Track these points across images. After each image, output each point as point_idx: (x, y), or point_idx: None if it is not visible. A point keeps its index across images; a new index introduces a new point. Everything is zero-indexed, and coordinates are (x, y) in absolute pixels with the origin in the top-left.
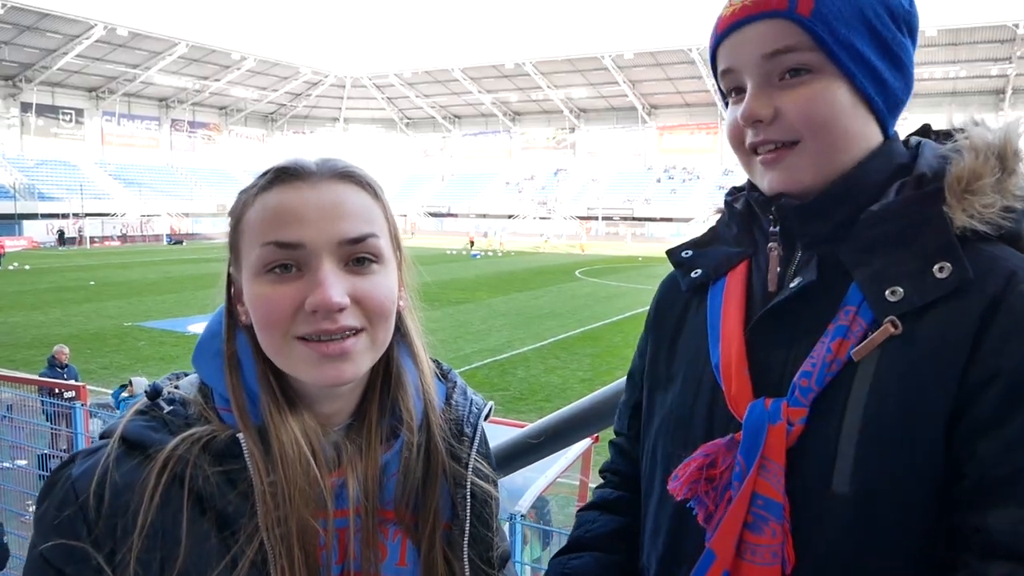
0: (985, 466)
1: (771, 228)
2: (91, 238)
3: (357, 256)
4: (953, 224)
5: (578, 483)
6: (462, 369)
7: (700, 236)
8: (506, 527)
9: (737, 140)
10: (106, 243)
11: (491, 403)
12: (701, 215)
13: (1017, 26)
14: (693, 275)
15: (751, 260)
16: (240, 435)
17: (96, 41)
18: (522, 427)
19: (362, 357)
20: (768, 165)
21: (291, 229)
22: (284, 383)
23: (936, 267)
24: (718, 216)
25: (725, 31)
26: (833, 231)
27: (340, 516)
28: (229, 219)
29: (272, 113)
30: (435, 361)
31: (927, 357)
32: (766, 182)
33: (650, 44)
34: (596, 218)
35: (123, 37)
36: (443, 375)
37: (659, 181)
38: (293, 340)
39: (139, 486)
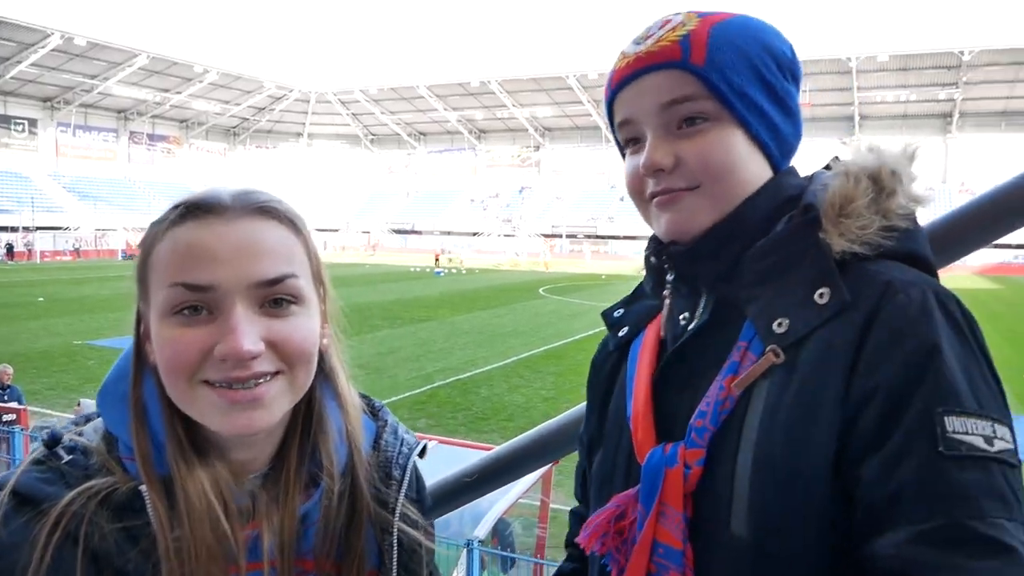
0: (869, 489)
1: (668, 276)
2: (42, 252)
3: (274, 297)
4: (832, 249)
5: (539, 504)
6: (424, 388)
7: (629, 295)
8: (463, 553)
9: (637, 191)
10: (57, 257)
11: (424, 442)
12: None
13: (962, 53)
14: (620, 334)
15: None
16: (143, 488)
17: (52, 50)
18: (486, 448)
19: (277, 402)
20: (663, 207)
21: (201, 270)
22: (194, 429)
23: (817, 293)
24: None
25: (620, 83)
26: (727, 270)
27: (253, 569)
28: (138, 251)
29: (234, 127)
30: (365, 397)
31: (809, 383)
32: (662, 226)
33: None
34: (560, 236)
35: (81, 47)
36: (373, 413)
37: (622, 199)
38: (199, 385)
39: (28, 545)
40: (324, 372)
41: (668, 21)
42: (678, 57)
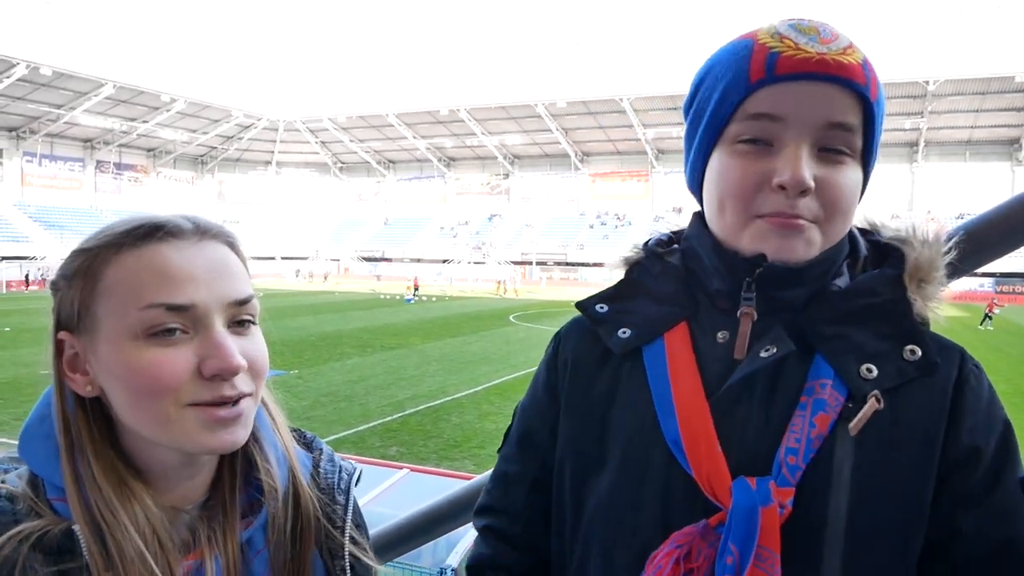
0: (972, 541)
1: (744, 292)
2: (8, 282)
3: (240, 318)
4: (912, 309)
5: None
6: (395, 416)
7: (615, 289)
8: None
9: (744, 199)
10: (23, 288)
11: (360, 468)
12: (610, 262)
13: (927, 83)
14: (622, 335)
15: (690, 321)
16: (76, 527)
17: (18, 80)
18: (459, 476)
19: (249, 420)
20: (782, 229)
21: (181, 290)
22: (128, 463)
23: (907, 350)
24: (627, 267)
25: (787, 75)
26: (804, 302)
27: None
28: (70, 280)
29: (202, 156)
30: (296, 430)
31: (907, 435)
32: (772, 248)
33: (582, 93)
34: (530, 263)
35: (47, 76)
36: (307, 444)
37: (592, 227)
38: (184, 407)
39: None
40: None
41: (835, 35)
42: (863, 81)
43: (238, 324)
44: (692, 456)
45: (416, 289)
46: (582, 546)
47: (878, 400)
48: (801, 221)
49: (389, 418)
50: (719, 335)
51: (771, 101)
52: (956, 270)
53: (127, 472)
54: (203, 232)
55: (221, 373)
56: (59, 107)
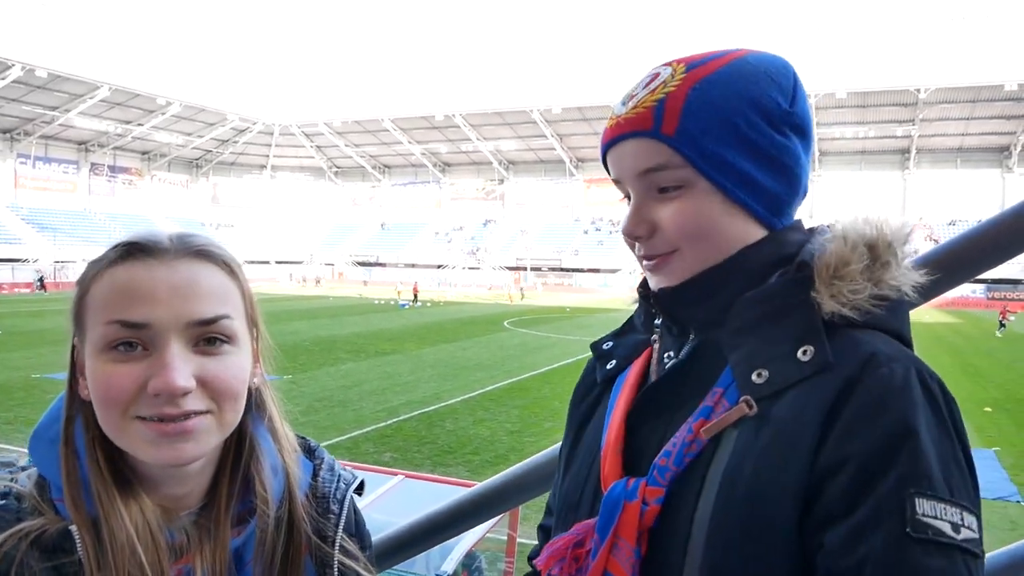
0: (832, 557)
1: (656, 321)
2: (0, 285)
3: (207, 336)
4: (821, 309)
5: (506, 538)
6: (390, 421)
7: (620, 327)
8: None
9: (629, 245)
10: (16, 290)
11: (360, 478)
12: (625, 269)
13: (919, 91)
14: (608, 367)
15: (654, 346)
16: (72, 527)
17: (12, 82)
18: (454, 483)
19: (205, 437)
20: (649, 272)
21: (138, 309)
22: (124, 467)
23: (800, 350)
24: (635, 305)
25: (606, 144)
26: (715, 316)
27: None
28: (76, 288)
29: (197, 159)
30: (302, 438)
31: (778, 439)
32: (652, 285)
33: (577, 99)
34: (525, 268)
35: (42, 78)
36: (309, 452)
37: (586, 232)
38: (133, 419)
39: None
40: (259, 409)
41: (655, 76)
42: (649, 127)
43: (207, 343)
44: (603, 460)
45: (416, 296)
46: (553, 530)
47: (748, 405)
48: (658, 259)
49: (383, 424)
50: (666, 356)
51: (611, 167)
52: (922, 292)
53: (122, 475)
54: (183, 250)
55: (161, 392)
56: (54, 109)
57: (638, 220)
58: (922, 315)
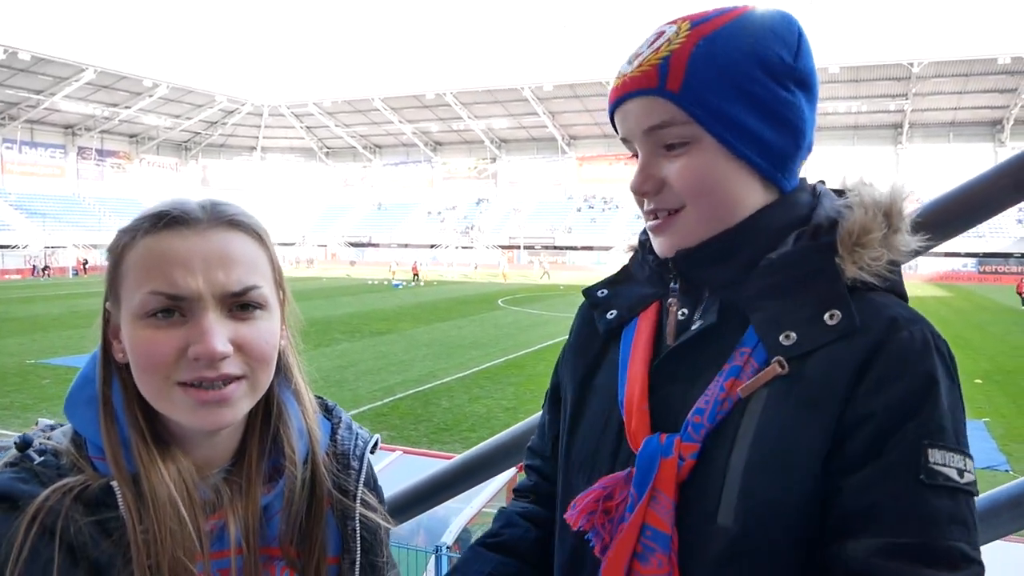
0: (846, 500)
1: (672, 284)
2: None
3: (241, 303)
4: (844, 274)
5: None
6: (386, 400)
7: (615, 275)
8: (432, 559)
9: (638, 203)
10: (6, 277)
11: (376, 436)
12: (619, 247)
13: (912, 65)
14: (609, 316)
15: (662, 302)
16: (114, 483)
17: None
18: (447, 458)
19: (241, 402)
20: (655, 231)
21: (176, 279)
22: (159, 427)
23: (827, 314)
24: (631, 253)
25: (613, 104)
26: (733, 277)
27: (219, 557)
28: (108, 255)
29: (186, 141)
30: (319, 398)
31: (809, 396)
32: (658, 246)
33: (568, 76)
34: (518, 247)
35: (25, 61)
36: (327, 411)
37: (579, 210)
38: (174, 385)
39: (6, 540)
40: (283, 372)
41: (661, 34)
42: (655, 84)
43: (240, 309)
44: (627, 415)
45: (416, 276)
46: (562, 487)
47: (781, 365)
48: (665, 217)
49: (379, 403)
50: (680, 312)
51: (618, 126)
52: (919, 248)
53: (159, 434)
54: (214, 220)
55: (201, 357)
56: (39, 93)
57: (645, 176)
58: (914, 289)
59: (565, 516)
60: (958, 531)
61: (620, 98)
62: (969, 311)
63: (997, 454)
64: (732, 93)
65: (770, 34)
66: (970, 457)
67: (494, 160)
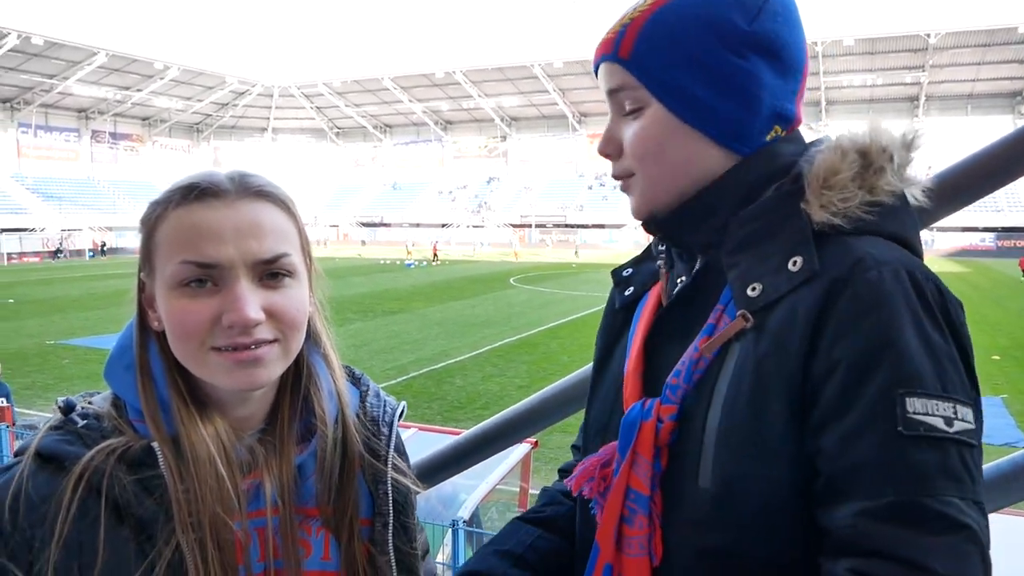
0: (829, 460)
1: (659, 248)
2: (8, 255)
3: (271, 272)
4: (812, 219)
5: (518, 489)
6: (400, 379)
7: (640, 254)
8: (448, 533)
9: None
10: (24, 259)
11: (403, 403)
12: (630, 224)
13: (929, 36)
14: (627, 293)
15: (670, 272)
16: (155, 444)
17: (9, 50)
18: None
19: (274, 364)
20: (626, 193)
21: (208, 249)
22: (196, 389)
23: (791, 261)
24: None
25: (594, 69)
26: (714, 237)
27: (257, 516)
28: (141, 228)
29: (198, 123)
30: (347, 367)
31: (773, 348)
32: (630, 209)
33: (578, 53)
34: (530, 225)
35: (38, 46)
36: (355, 379)
37: (591, 188)
38: (209, 351)
39: (55, 498)
40: (312, 337)
41: (634, 3)
42: (610, 51)
43: (270, 277)
44: (624, 384)
45: (436, 255)
46: (583, 453)
47: (745, 318)
48: (625, 180)
49: (393, 381)
50: (678, 280)
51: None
52: (928, 215)
53: (195, 397)
54: (243, 191)
55: (235, 324)
56: (52, 77)
57: (607, 139)
58: (930, 264)
59: (565, 482)
60: (947, 485)
61: (595, 64)
62: (987, 287)
63: (1015, 430)
64: (681, 61)
65: (727, 1)
66: (966, 404)
67: (504, 138)
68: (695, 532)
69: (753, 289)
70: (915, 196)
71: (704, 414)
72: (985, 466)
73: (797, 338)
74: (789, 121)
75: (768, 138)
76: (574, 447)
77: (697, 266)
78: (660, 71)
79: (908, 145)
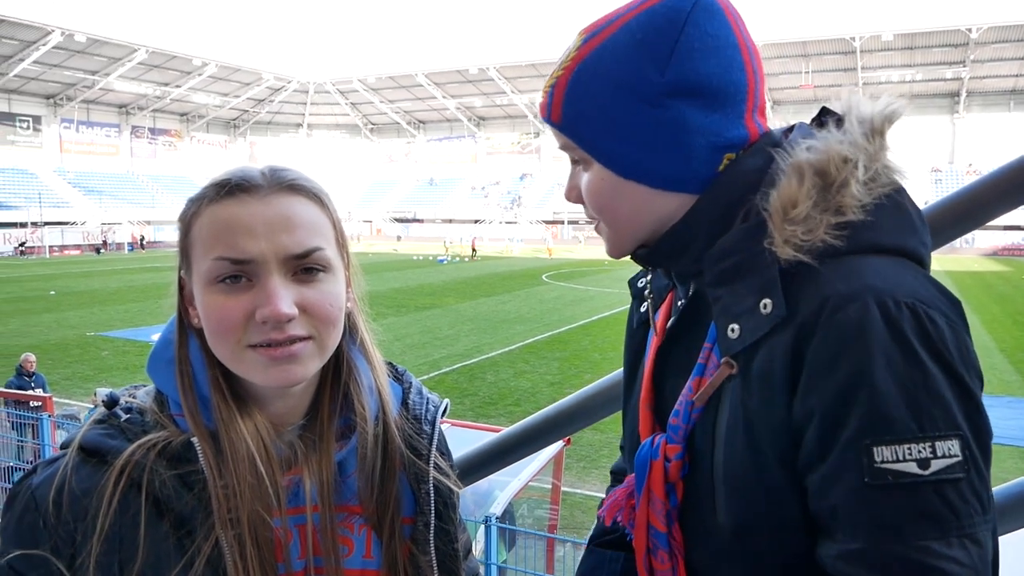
0: (813, 500)
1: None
2: (50, 247)
3: (305, 267)
4: (778, 257)
5: (550, 486)
6: (432, 374)
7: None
8: (481, 530)
9: None
10: (65, 252)
11: (447, 401)
12: None
13: (970, 30)
14: (642, 309)
15: (675, 291)
16: (194, 439)
17: (53, 47)
18: (494, 431)
19: (310, 360)
20: (598, 234)
21: (241, 245)
22: (236, 385)
23: (762, 303)
24: None
25: None
26: (695, 268)
27: (296, 513)
28: (179, 224)
29: (234, 119)
30: (389, 363)
31: (759, 394)
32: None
33: None
34: (562, 222)
35: (81, 43)
36: (398, 377)
37: None
38: (245, 348)
39: (97, 492)
40: (351, 332)
41: (568, 49)
42: (545, 114)
43: (304, 272)
44: (640, 417)
45: (475, 251)
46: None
47: (729, 365)
48: (594, 224)
49: (425, 376)
50: (679, 302)
51: None
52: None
53: (235, 392)
54: (275, 186)
55: (268, 320)
56: (94, 73)
57: (570, 187)
58: (970, 264)
59: (598, 512)
60: (919, 529)
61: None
62: (994, 286)
63: None
64: (603, 123)
65: (636, 50)
66: (949, 437)
67: (538, 135)
68: (718, 565)
69: (732, 331)
70: (883, 196)
71: (711, 453)
72: (995, 488)
73: (778, 383)
74: (740, 144)
75: (721, 167)
76: (622, 447)
77: (691, 291)
78: (589, 133)
79: (874, 133)
